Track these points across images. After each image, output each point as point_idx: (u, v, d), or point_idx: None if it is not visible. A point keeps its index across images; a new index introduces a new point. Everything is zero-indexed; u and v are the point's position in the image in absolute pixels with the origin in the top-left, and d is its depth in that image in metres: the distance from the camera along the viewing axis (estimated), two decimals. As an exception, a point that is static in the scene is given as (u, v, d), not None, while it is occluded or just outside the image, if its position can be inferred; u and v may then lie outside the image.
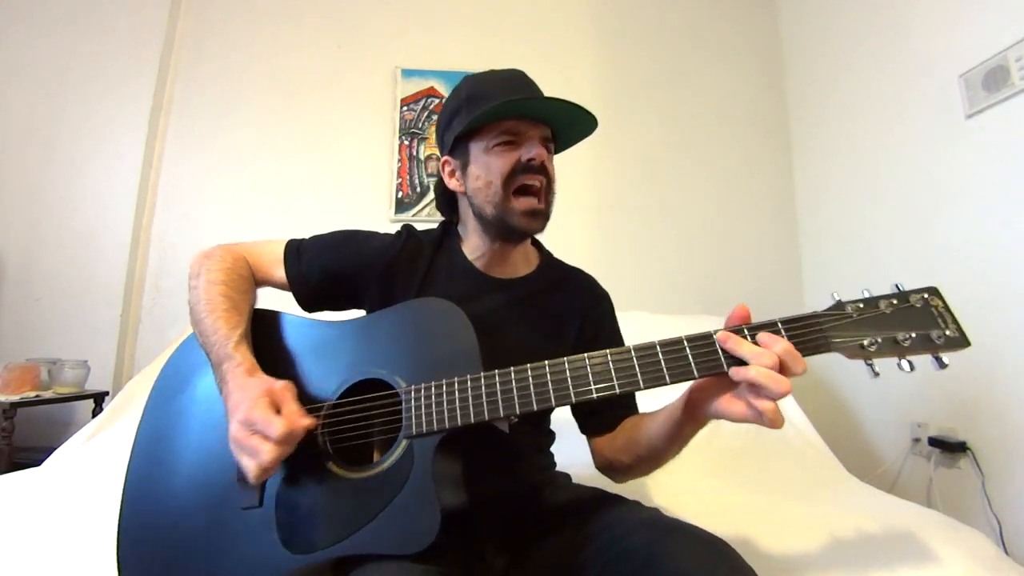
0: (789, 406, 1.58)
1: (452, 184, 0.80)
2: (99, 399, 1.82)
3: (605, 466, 0.78)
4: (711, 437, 1.41)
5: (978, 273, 1.39)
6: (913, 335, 0.52)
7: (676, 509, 0.65)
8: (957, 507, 1.40)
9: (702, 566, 0.52)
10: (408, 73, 2.22)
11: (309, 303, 0.82)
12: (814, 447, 1.44)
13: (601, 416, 0.78)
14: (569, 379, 0.57)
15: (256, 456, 0.56)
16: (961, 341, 0.52)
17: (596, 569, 0.58)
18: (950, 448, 1.43)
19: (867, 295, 0.55)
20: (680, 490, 1.08)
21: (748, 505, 1.02)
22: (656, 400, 0.68)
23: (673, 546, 0.54)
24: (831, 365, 1.98)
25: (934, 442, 1.48)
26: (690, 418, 0.61)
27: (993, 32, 1.36)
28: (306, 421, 0.59)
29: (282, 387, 0.61)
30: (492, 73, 0.79)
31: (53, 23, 2.12)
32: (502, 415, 0.57)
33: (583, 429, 0.81)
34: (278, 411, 0.59)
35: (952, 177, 1.49)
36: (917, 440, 1.56)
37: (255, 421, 0.57)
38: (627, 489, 0.78)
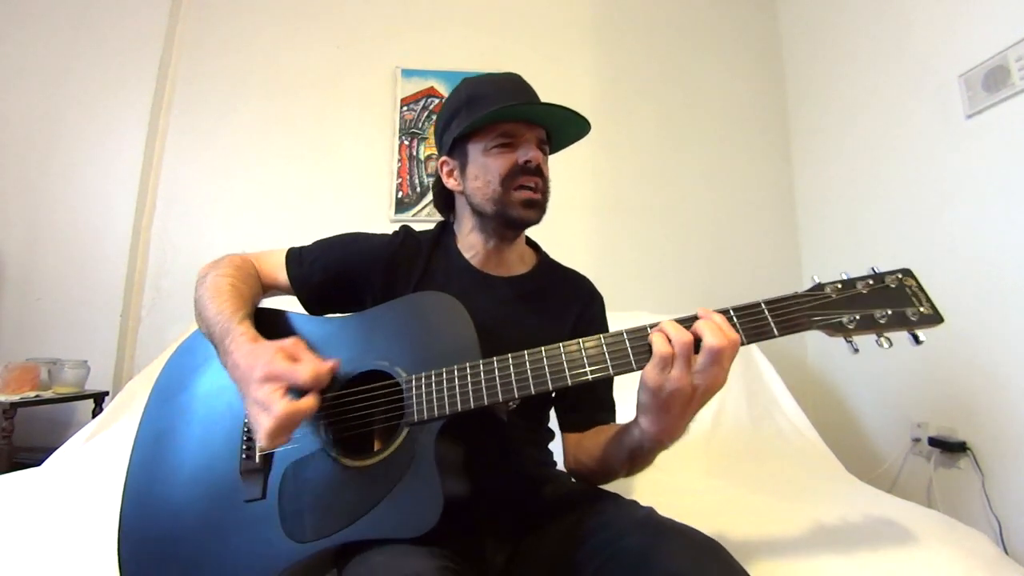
0: (789, 406, 1.59)
1: (450, 184, 0.83)
2: (99, 399, 1.82)
3: (572, 468, 0.80)
4: (710, 437, 1.41)
5: (978, 273, 1.39)
6: (889, 312, 0.55)
7: (675, 508, 0.65)
8: (957, 507, 1.40)
9: (695, 567, 0.52)
10: (408, 73, 2.22)
11: (312, 305, 0.83)
12: (814, 447, 1.44)
13: (579, 414, 0.80)
14: (565, 362, 0.59)
15: (291, 407, 0.55)
16: (934, 318, 0.55)
17: (591, 569, 0.58)
18: (950, 448, 1.43)
19: (845, 276, 0.58)
20: (679, 489, 1.08)
21: (747, 504, 1.02)
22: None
23: (666, 547, 0.55)
24: (831, 365, 1.98)
25: (934, 442, 1.48)
26: (640, 409, 0.60)
27: (993, 32, 1.36)
28: (329, 363, 0.60)
29: (292, 342, 0.62)
30: (490, 76, 0.82)
31: (53, 23, 2.12)
32: (501, 400, 0.59)
33: (561, 425, 0.83)
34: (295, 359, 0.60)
35: (952, 177, 1.49)
36: (917, 440, 1.56)
37: (278, 373, 0.57)
38: (625, 487, 0.79)
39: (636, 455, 0.65)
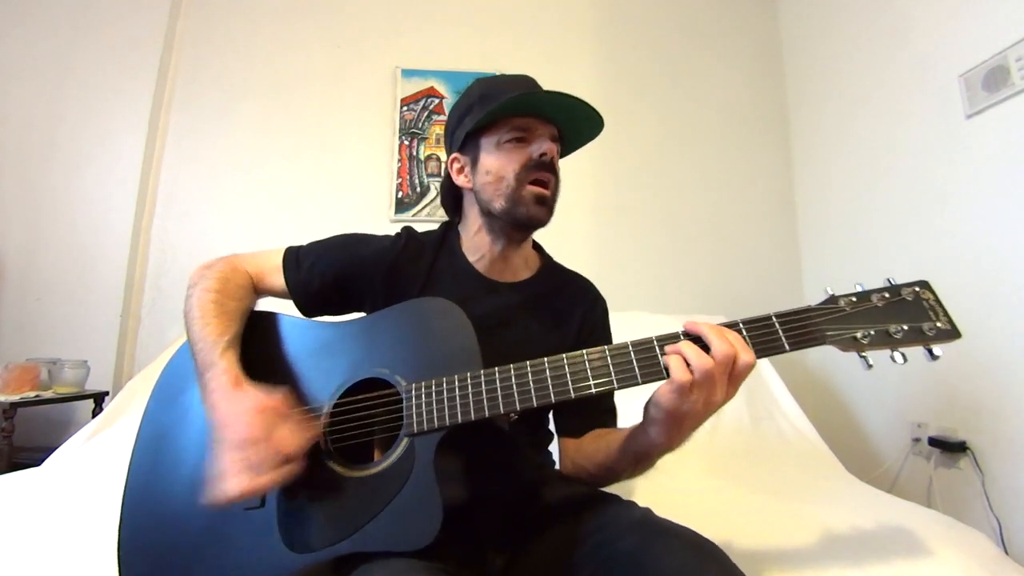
0: (790, 406, 1.58)
1: (460, 180, 0.81)
2: (99, 399, 1.82)
3: (569, 469, 0.79)
4: (710, 437, 1.41)
5: (978, 273, 1.39)
6: (905, 327, 0.53)
7: (674, 509, 0.65)
8: (957, 507, 1.40)
9: (690, 568, 0.52)
10: (408, 73, 2.22)
11: (309, 308, 0.82)
12: (814, 447, 1.44)
13: (578, 420, 0.79)
14: (568, 375, 0.58)
15: (245, 488, 0.55)
16: (952, 333, 0.53)
17: (587, 572, 0.58)
18: (950, 448, 1.43)
19: (860, 289, 0.57)
20: (679, 489, 1.08)
21: (747, 504, 1.02)
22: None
23: (662, 548, 0.55)
24: (831, 365, 1.98)
25: (934, 442, 1.48)
26: (645, 423, 0.61)
27: (993, 32, 1.36)
28: (309, 434, 0.59)
29: (277, 401, 0.60)
30: (504, 76, 0.83)
31: (53, 23, 2.12)
32: (502, 412, 0.58)
33: (558, 430, 0.82)
34: (275, 426, 0.58)
35: (952, 177, 1.49)
36: (917, 440, 1.56)
37: (255, 443, 0.56)
38: (624, 488, 0.79)
39: (642, 460, 0.66)
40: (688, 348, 0.54)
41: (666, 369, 0.54)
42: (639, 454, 0.65)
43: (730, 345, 0.53)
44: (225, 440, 0.58)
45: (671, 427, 0.58)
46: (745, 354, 0.54)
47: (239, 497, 0.55)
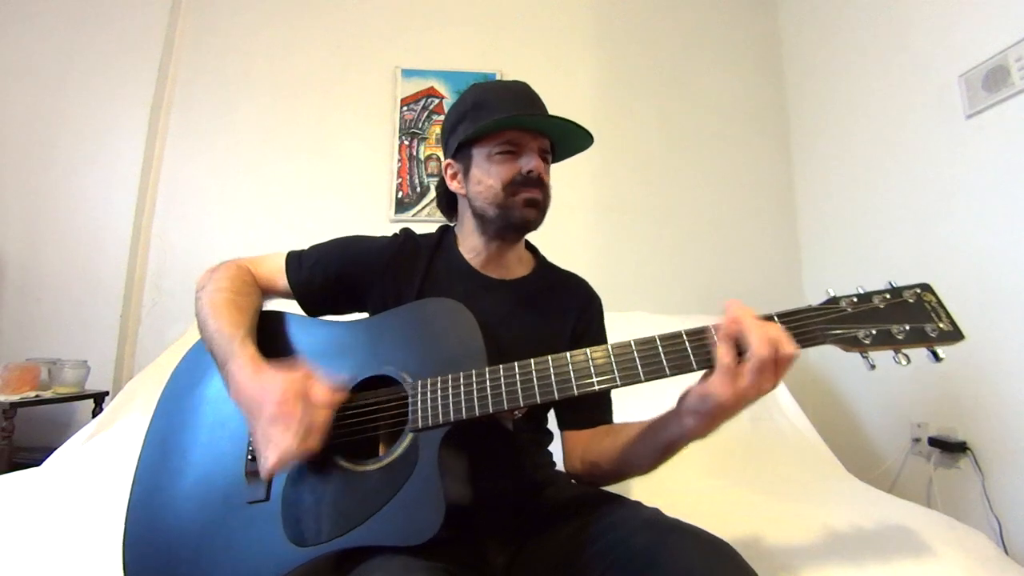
0: (789, 405, 1.58)
1: (453, 186, 0.83)
2: (99, 399, 1.82)
3: (578, 468, 0.78)
4: (709, 436, 1.41)
5: (978, 273, 1.39)
6: (907, 328, 0.54)
7: (675, 509, 0.65)
8: (957, 507, 1.40)
9: (707, 566, 0.52)
10: (408, 73, 2.22)
11: (312, 307, 0.83)
12: (814, 447, 1.44)
13: (582, 413, 0.80)
14: (572, 372, 0.59)
15: (295, 450, 0.58)
16: (955, 335, 0.53)
17: (600, 569, 0.58)
18: (950, 448, 1.43)
19: (861, 291, 0.57)
20: (679, 489, 1.08)
21: (747, 505, 1.02)
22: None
23: (677, 546, 0.55)
24: (831, 365, 1.98)
25: (934, 442, 1.48)
26: (682, 412, 0.60)
27: (993, 32, 1.36)
28: (338, 393, 0.62)
29: (302, 375, 0.62)
30: (498, 83, 0.84)
31: (53, 23, 2.12)
32: (506, 408, 0.59)
33: (561, 424, 0.82)
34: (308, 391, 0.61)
35: (952, 177, 1.49)
36: (917, 440, 1.56)
37: (292, 410, 0.59)
38: (626, 488, 0.79)
39: (669, 450, 0.65)
40: (737, 338, 0.53)
41: (708, 361, 0.54)
42: (669, 444, 0.63)
43: (776, 334, 0.53)
44: (263, 416, 0.60)
45: (715, 416, 0.56)
46: (788, 345, 0.53)
47: (296, 457, 0.58)
